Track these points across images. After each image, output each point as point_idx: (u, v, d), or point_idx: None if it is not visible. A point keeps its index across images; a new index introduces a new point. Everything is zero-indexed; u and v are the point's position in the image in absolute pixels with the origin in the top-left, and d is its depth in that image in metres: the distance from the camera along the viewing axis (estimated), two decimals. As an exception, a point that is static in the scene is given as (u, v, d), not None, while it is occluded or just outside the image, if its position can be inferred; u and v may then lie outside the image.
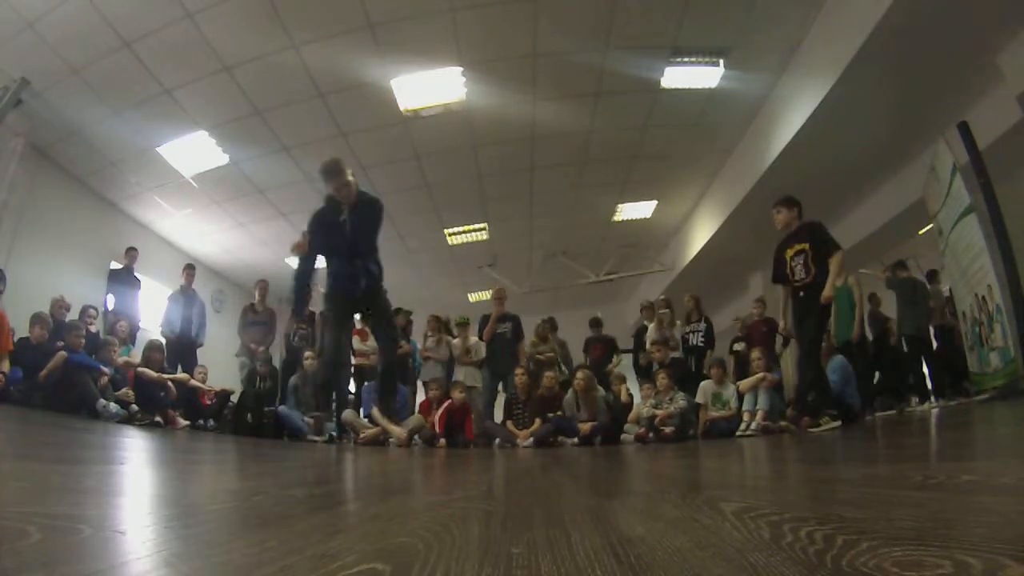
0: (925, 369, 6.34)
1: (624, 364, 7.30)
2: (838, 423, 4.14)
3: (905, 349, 6.26)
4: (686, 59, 5.98)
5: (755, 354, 5.52)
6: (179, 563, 0.58)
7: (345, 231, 3.84)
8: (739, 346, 6.68)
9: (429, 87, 6.23)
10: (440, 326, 6.76)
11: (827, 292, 4.10)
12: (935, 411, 5.19)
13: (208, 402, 6.23)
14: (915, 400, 5.99)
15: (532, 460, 3.27)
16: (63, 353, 4.96)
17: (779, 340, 5.96)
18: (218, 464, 2.36)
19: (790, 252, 4.33)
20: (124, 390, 5.22)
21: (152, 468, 1.87)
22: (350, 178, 3.83)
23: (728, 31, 5.62)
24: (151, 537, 0.69)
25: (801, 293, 4.27)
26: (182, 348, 6.53)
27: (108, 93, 5.90)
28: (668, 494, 1.29)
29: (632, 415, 5.69)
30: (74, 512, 0.81)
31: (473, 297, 12.14)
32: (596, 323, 7.40)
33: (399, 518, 0.94)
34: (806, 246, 4.24)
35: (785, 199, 4.40)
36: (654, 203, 9.22)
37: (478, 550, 0.65)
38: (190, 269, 7.12)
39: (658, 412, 5.38)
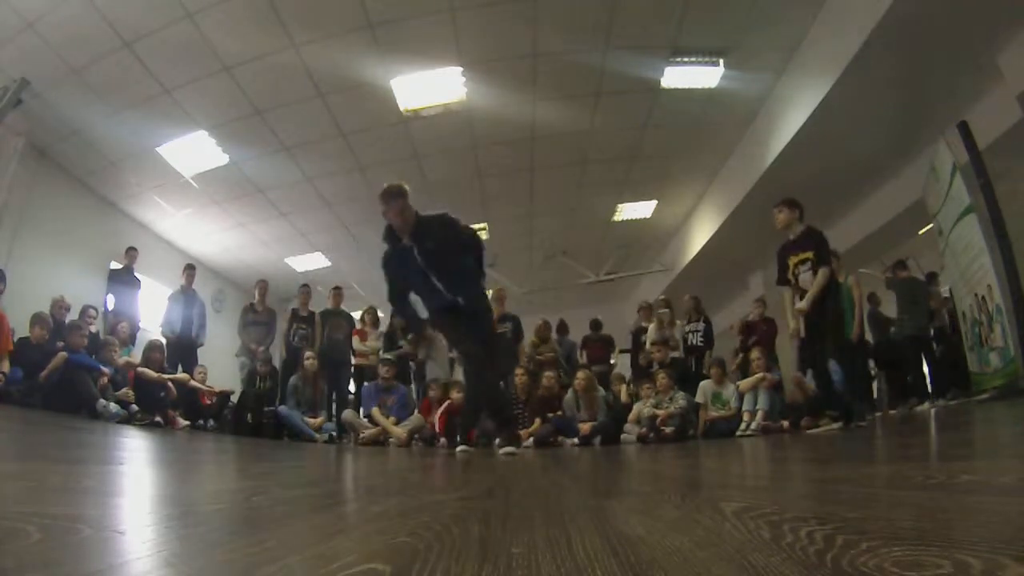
0: (925, 369, 6.34)
1: (622, 364, 7.31)
2: (838, 424, 4.15)
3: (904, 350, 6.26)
4: (686, 59, 5.98)
5: (755, 354, 5.53)
6: (179, 563, 0.58)
7: (417, 261, 3.48)
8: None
9: (429, 87, 6.23)
10: None
11: (802, 305, 4.14)
12: (934, 411, 5.19)
13: (208, 402, 6.24)
14: (913, 400, 6.00)
15: (532, 460, 3.27)
16: (63, 354, 4.96)
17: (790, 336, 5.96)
18: (218, 464, 2.36)
19: (794, 260, 4.35)
20: (124, 390, 5.23)
21: (152, 468, 1.87)
22: (408, 204, 3.47)
23: (728, 31, 5.62)
24: (151, 537, 0.69)
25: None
26: (182, 348, 6.53)
27: (108, 93, 5.89)
28: (668, 494, 1.29)
29: (632, 415, 5.68)
30: (74, 512, 0.81)
31: (473, 297, 12.13)
32: (596, 325, 7.42)
33: (399, 518, 0.94)
34: (811, 255, 4.26)
35: (788, 200, 4.40)
36: (654, 203, 9.22)
37: (478, 550, 0.65)
38: (190, 269, 7.13)
39: (659, 412, 5.38)
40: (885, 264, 7.25)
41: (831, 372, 4.72)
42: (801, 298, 4.33)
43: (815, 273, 4.20)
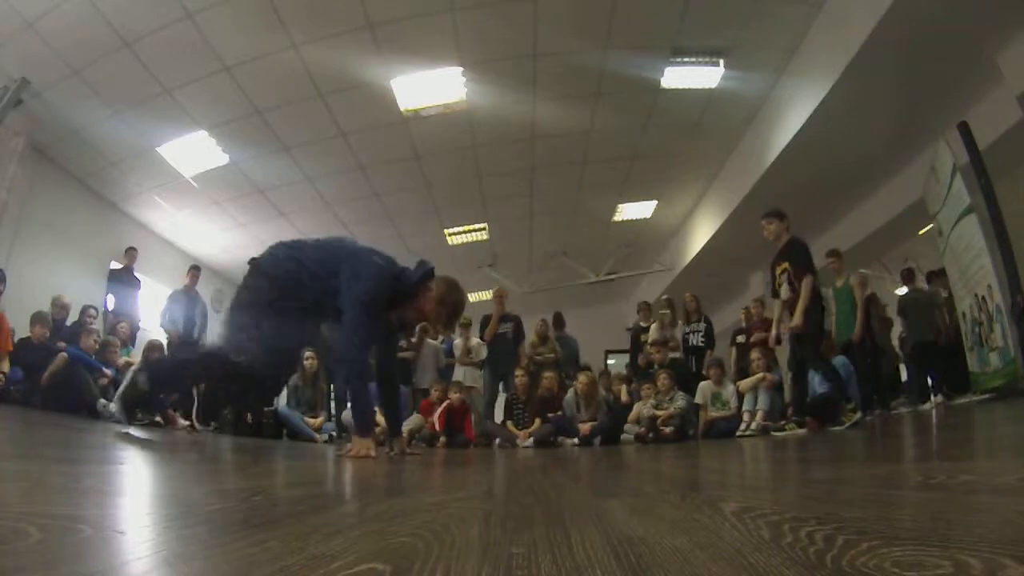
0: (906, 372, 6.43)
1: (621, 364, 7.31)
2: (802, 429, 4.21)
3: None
4: (686, 59, 5.99)
5: (755, 354, 5.53)
6: (179, 563, 0.58)
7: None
8: (742, 338, 6.67)
9: (429, 87, 6.23)
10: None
11: (794, 321, 4.21)
12: (921, 411, 5.23)
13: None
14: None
15: (532, 460, 3.27)
16: (64, 355, 4.96)
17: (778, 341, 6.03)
18: (218, 464, 2.36)
19: (778, 270, 4.44)
20: (124, 390, 5.22)
21: (152, 468, 1.87)
22: None
23: (728, 31, 5.62)
24: (151, 537, 0.69)
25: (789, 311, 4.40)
26: (183, 347, 6.52)
27: (108, 93, 5.90)
28: (668, 494, 1.29)
29: (632, 415, 5.69)
30: (74, 512, 0.81)
31: (473, 297, 12.14)
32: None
33: (399, 518, 0.94)
34: (787, 265, 4.36)
35: (773, 211, 4.49)
36: (654, 203, 9.22)
37: (478, 550, 0.65)
38: (195, 270, 7.13)
39: (659, 412, 5.38)
40: (890, 272, 7.22)
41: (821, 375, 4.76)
42: (783, 308, 4.42)
43: (791, 283, 4.26)
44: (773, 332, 4.68)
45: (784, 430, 4.41)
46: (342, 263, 2.75)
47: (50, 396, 4.81)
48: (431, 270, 2.84)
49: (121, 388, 3.51)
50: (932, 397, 5.90)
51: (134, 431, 3.36)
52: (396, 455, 3.07)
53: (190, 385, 4.50)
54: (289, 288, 2.75)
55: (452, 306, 2.81)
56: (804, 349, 4.43)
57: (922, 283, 6.99)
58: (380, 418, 3.50)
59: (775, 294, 4.56)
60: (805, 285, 4.18)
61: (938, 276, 6.58)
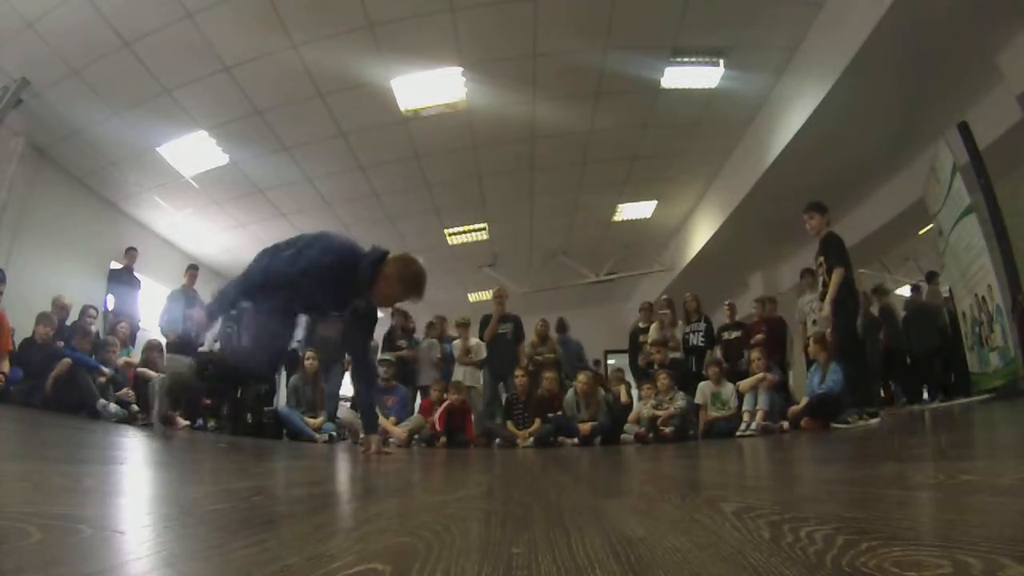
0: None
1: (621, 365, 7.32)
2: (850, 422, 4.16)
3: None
4: (686, 59, 5.99)
5: (755, 354, 5.53)
6: (179, 563, 0.58)
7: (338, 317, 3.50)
8: (727, 334, 6.65)
9: (429, 87, 6.23)
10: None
11: (824, 312, 4.25)
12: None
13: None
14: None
15: (532, 460, 3.27)
16: (67, 360, 4.96)
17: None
18: (218, 464, 2.36)
19: (817, 263, 4.55)
20: (124, 390, 5.23)
21: (152, 468, 1.87)
22: None
23: (728, 31, 5.62)
24: (151, 537, 0.69)
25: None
26: (183, 348, 6.52)
27: (108, 93, 5.90)
28: (668, 494, 1.29)
29: (632, 415, 5.69)
30: (74, 512, 0.81)
31: (473, 297, 12.14)
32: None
33: (399, 518, 0.94)
34: (822, 259, 4.43)
35: (815, 205, 4.52)
36: (654, 203, 9.22)
37: (478, 550, 0.65)
38: (193, 270, 7.12)
39: (659, 413, 5.38)
40: (890, 272, 7.35)
41: (829, 373, 4.76)
42: (822, 299, 4.46)
43: (827, 275, 4.32)
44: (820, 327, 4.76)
45: (848, 423, 4.32)
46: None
47: (50, 396, 4.81)
48: (383, 255, 2.94)
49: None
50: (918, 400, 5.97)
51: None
52: (368, 454, 3.23)
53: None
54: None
55: (409, 281, 2.95)
56: (835, 342, 4.46)
57: (892, 297, 7.17)
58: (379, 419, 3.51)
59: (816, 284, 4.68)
60: (835, 276, 4.23)
61: (927, 282, 6.74)
